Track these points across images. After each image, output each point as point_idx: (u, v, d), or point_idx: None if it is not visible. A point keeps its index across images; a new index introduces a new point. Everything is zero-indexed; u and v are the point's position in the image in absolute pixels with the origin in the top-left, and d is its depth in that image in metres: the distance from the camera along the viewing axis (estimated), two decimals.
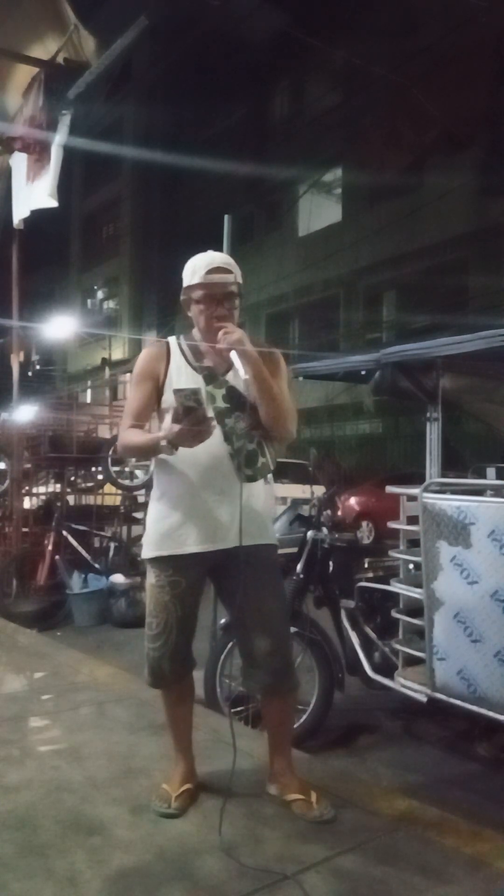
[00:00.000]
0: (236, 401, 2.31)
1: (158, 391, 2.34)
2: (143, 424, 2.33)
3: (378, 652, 3.38)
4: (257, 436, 2.33)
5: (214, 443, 2.21)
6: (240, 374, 2.22)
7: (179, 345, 2.40)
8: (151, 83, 22.74)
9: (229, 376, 2.34)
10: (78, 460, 7.41)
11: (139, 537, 2.48)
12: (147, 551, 2.36)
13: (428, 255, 16.11)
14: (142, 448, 2.37)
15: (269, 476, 2.42)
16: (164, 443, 2.14)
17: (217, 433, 2.22)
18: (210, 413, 2.17)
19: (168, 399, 2.25)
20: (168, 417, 2.12)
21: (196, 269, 2.34)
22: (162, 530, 2.32)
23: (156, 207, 25.48)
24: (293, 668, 2.51)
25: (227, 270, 2.34)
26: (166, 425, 2.13)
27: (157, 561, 2.33)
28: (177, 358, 2.36)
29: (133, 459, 6.54)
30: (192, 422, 2.06)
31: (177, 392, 2.10)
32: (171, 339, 2.43)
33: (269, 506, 2.41)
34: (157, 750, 2.80)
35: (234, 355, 2.22)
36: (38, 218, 5.47)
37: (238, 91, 19.91)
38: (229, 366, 2.32)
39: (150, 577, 2.36)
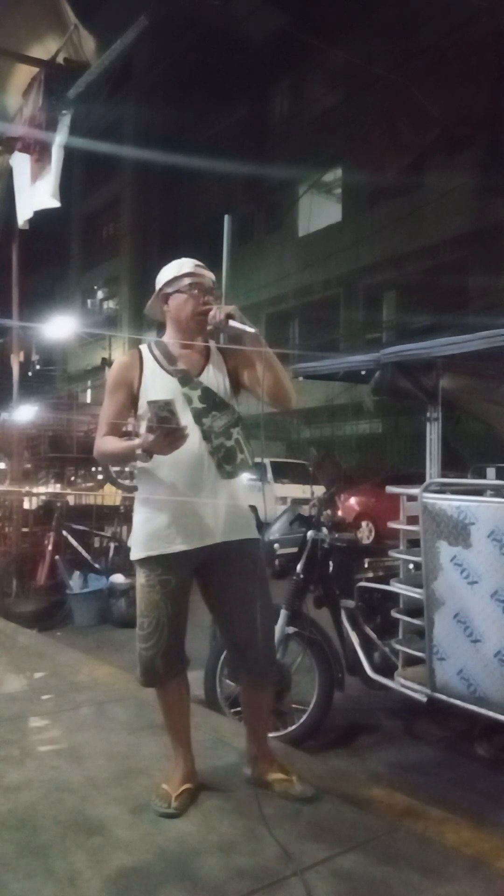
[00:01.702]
0: (212, 400, 2.39)
1: (133, 399, 2.41)
2: (118, 432, 2.37)
3: (378, 652, 3.38)
4: (235, 433, 2.41)
5: (194, 442, 2.27)
6: (247, 330, 2.28)
7: (151, 351, 2.46)
8: (151, 83, 22.73)
9: (203, 377, 2.42)
10: (78, 460, 7.42)
11: None
12: (136, 552, 2.40)
13: (428, 255, 16.11)
14: (118, 455, 2.45)
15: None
16: (139, 451, 2.20)
17: (196, 433, 2.29)
18: (185, 420, 2.23)
19: (144, 406, 2.30)
20: (143, 426, 2.17)
21: (182, 264, 2.47)
22: (149, 531, 2.36)
23: (156, 207, 25.49)
24: (276, 662, 2.55)
25: (209, 271, 2.49)
26: (141, 434, 2.18)
27: (147, 561, 2.37)
28: (150, 364, 2.42)
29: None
30: (165, 431, 2.12)
31: (150, 403, 2.17)
32: (143, 347, 2.49)
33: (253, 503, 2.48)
34: (157, 750, 2.80)
35: (233, 323, 2.28)
36: (39, 218, 5.45)
37: (238, 91, 19.92)
38: (203, 367, 2.43)
39: (140, 578, 2.40)
